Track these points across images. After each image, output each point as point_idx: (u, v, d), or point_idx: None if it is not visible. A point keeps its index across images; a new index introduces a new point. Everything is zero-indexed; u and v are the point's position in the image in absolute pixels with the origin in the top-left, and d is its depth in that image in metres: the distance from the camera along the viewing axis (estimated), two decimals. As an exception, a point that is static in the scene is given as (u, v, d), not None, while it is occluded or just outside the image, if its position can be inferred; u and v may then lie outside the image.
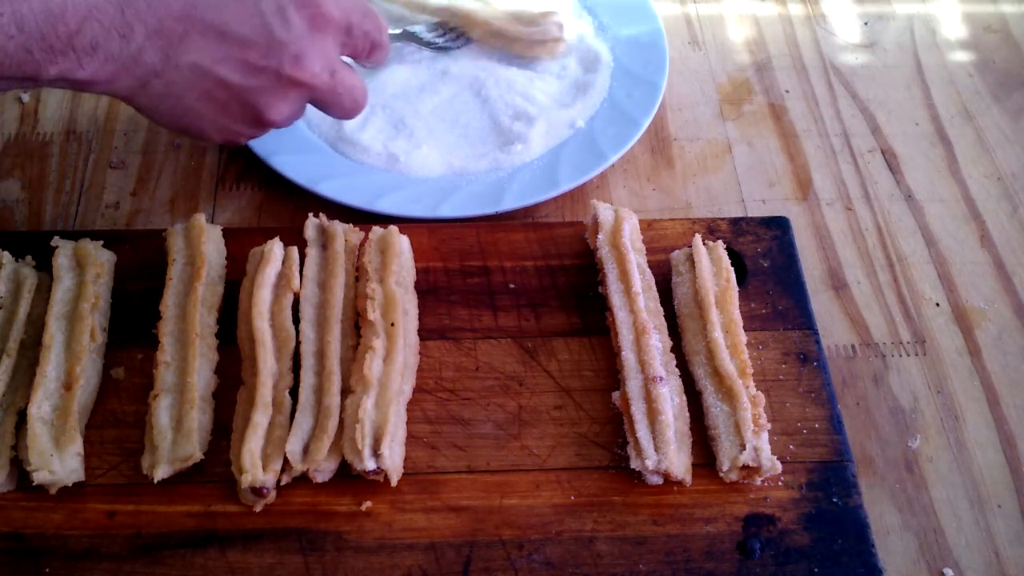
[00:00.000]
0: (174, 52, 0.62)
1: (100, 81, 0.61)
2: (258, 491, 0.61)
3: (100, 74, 0.60)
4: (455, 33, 0.95)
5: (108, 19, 0.58)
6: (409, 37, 0.93)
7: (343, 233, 0.74)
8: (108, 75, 0.61)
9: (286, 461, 0.63)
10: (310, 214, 0.75)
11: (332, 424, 0.63)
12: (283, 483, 0.63)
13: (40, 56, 0.57)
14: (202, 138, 0.70)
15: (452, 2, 0.94)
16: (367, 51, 0.73)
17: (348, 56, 0.72)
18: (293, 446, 0.63)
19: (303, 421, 0.64)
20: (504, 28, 0.92)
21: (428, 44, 0.94)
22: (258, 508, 0.63)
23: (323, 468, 0.63)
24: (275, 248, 0.71)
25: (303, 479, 0.64)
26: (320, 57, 0.67)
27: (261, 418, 0.63)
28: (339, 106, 0.72)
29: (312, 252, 0.73)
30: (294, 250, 0.72)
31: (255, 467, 0.61)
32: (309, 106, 0.87)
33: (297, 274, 0.71)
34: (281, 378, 0.66)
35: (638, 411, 0.65)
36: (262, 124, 0.69)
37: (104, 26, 0.58)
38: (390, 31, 0.88)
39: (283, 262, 0.72)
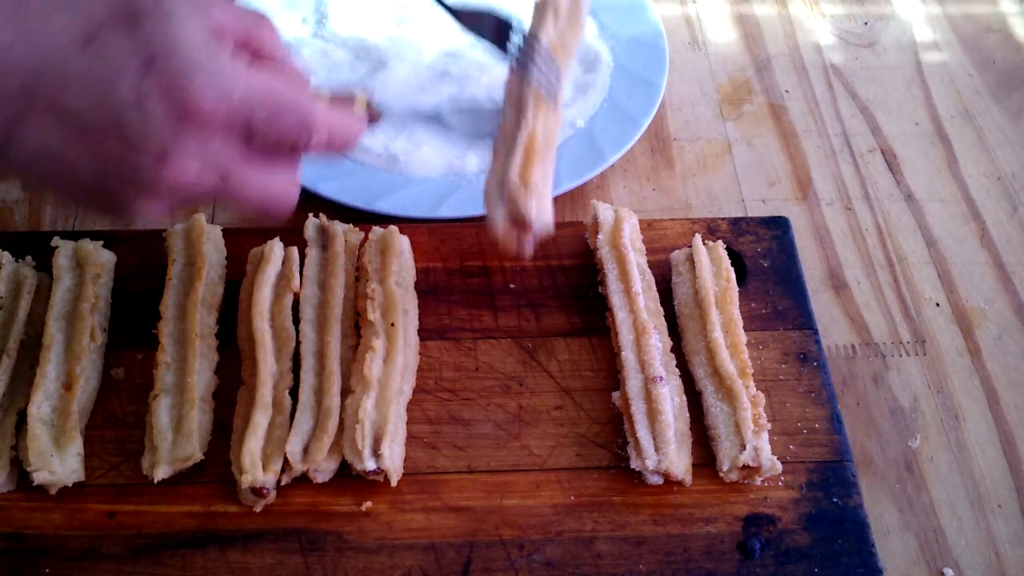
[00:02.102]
0: (17, 132, 0.49)
1: None
2: (258, 491, 0.61)
3: None
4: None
5: None
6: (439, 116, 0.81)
7: (343, 233, 0.74)
8: None
9: (286, 461, 0.63)
10: (310, 214, 0.75)
11: (332, 424, 0.63)
12: (283, 483, 0.63)
13: None
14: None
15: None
16: (299, 145, 0.54)
17: (267, 150, 0.54)
18: (293, 446, 0.63)
19: (303, 421, 0.64)
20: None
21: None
22: (258, 508, 0.63)
23: (323, 468, 0.63)
24: (275, 248, 0.71)
25: (303, 479, 0.64)
26: (197, 157, 0.50)
27: (261, 418, 0.63)
28: (248, 208, 0.56)
29: (312, 252, 0.73)
30: (294, 250, 0.72)
31: (255, 467, 0.61)
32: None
33: (297, 274, 0.71)
34: (281, 378, 0.66)
35: (638, 411, 0.65)
36: (124, 215, 0.54)
37: None
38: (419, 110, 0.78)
39: (283, 262, 0.72)
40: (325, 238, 0.74)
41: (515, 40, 0.73)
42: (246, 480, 0.61)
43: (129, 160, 0.50)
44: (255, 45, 0.53)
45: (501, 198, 0.66)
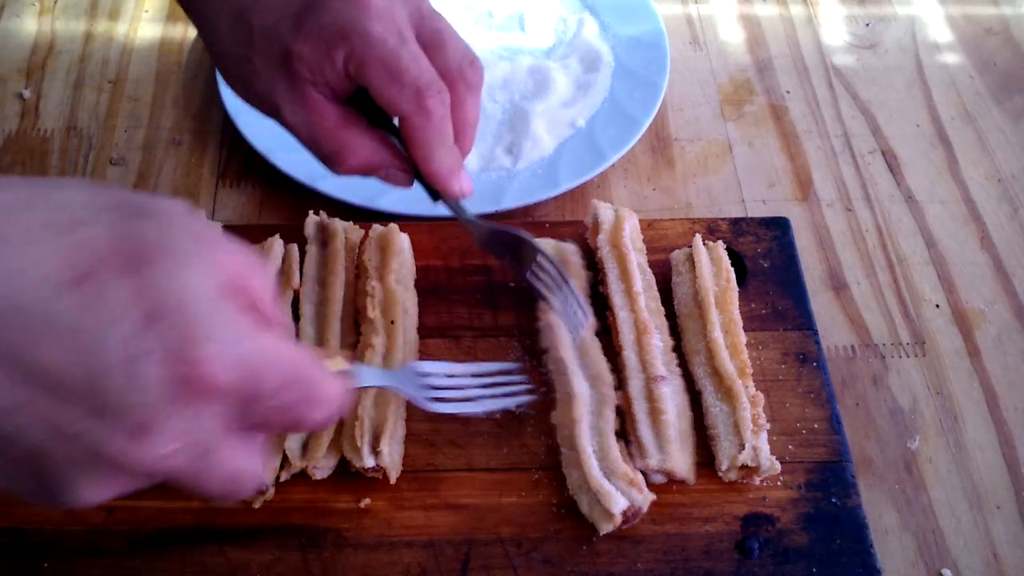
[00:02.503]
0: None
1: None
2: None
3: None
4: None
5: None
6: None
7: (343, 231, 0.74)
8: None
9: (285, 458, 0.63)
10: (310, 211, 0.75)
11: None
12: (282, 480, 0.63)
13: None
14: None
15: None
16: (283, 427, 0.47)
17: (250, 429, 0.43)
18: (292, 443, 0.63)
19: None
20: None
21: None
22: (257, 504, 0.63)
23: (322, 465, 0.63)
24: (275, 245, 0.71)
25: (301, 475, 0.64)
26: (181, 434, 0.39)
27: None
28: (203, 493, 0.43)
29: (312, 250, 0.73)
30: (294, 248, 0.72)
31: None
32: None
33: (297, 272, 0.71)
34: None
35: (640, 411, 0.65)
36: (52, 500, 0.42)
37: None
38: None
39: (283, 259, 0.72)
40: (325, 235, 0.74)
41: (539, 261, 0.69)
42: None
43: (94, 434, 0.38)
44: (253, 296, 0.43)
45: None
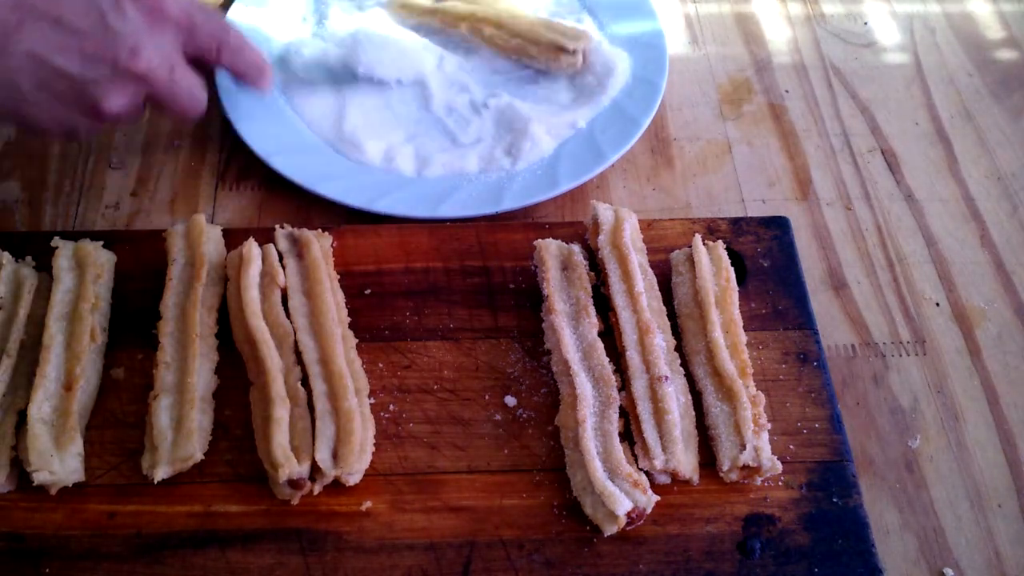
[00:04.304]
0: (9, 39, 0.62)
1: None
2: (295, 483, 0.61)
3: None
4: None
5: None
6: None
7: (316, 238, 0.74)
8: None
9: (317, 468, 0.62)
10: (276, 225, 0.75)
11: (356, 425, 0.63)
12: (315, 493, 0.63)
13: None
14: (39, 129, 0.70)
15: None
16: (214, 51, 0.73)
17: (195, 55, 0.73)
18: (322, 454, 0.62)
19: (325, 428, 0.63)
20: (529, 29, 0.92)
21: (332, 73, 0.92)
22: (295, 501, 0.63)
23: (355, 471, 0.63)
24: (252, 248, 0.71)
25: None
26: (157, 51, 0.67)
27: (281, 412, 0.63)
28: (176, 103, 0.72)
29: (289, 263, 0.73)
30: (271, 247, 0.73)
31: (289, 460, 0.61)
32: (306, 105, 0.88)
33: (280, 270, 0.71)
34: (289, 372, 0.66)
35: (644, 411, 0.65)
36: (98, 115, 0.69)
37: None
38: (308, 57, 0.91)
39: (262, 261, 0.72)
40: (299, 247, 0.74)
41: None
42: (283, 474, 0.60)
43: (107, 56, 0.65)
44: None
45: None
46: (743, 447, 0.63)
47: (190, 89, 0.72)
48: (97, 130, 0.71)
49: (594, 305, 0.71)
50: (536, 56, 0.92)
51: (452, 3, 0.95)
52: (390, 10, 0.97)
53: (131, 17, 0.66)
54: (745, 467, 0.64)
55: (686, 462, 0.64)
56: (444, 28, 0.95)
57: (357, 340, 0.70)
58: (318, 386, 0.66)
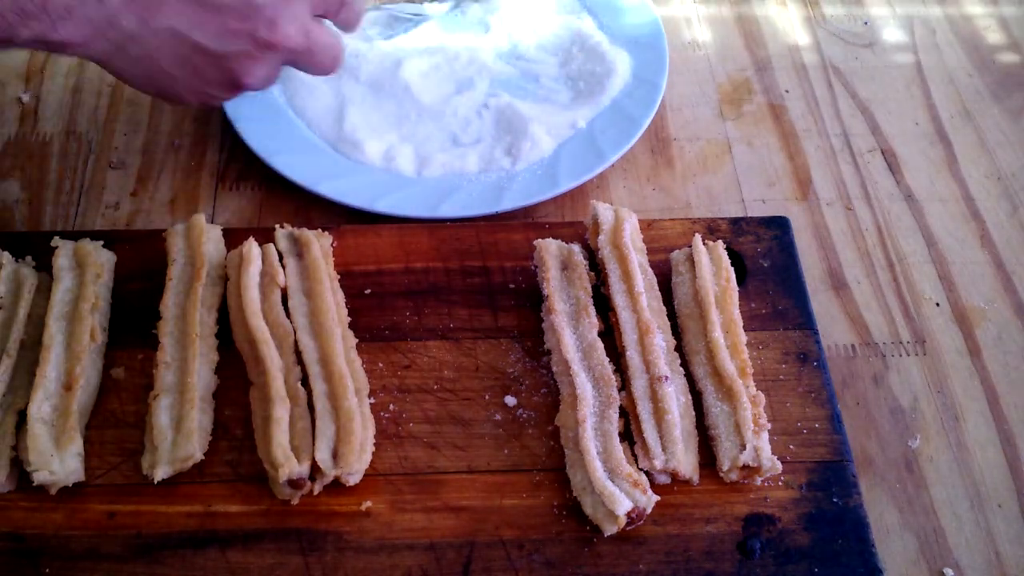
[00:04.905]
0: (151, 17, 0.63)
1: (75, 43, 0.62)
2: (295, 483, 0.61)
3: (75, 36, 0.61)
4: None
5: None
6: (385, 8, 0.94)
7: (316, 238, 0.74)
8: (83, 38, 0.61)
9: (317, 468, 0.62)
10: (276, 225, 0.75)
11: (357, 425, 0.63)
12: (315, 493, 0.63)
13: (12, 18, 0.58)
14: (176, 100, 0.71)
15: None
16: (336, 7, 0.73)
17: (319, 12, 0.72)
18: (322, 454, 0.62)
19: (325, 428, 0.63)
20: None
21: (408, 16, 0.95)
22: (295, 501, 0.63)
23: (356, 471, 0.63)
24: (252, 248, 0.71)
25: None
26: (293, 19, 0.67)
27: (281, 412, 0.63)
28: (317, 65, 0.72)
29: (289, 263, 0.73)
30: (271, 247, 0.73)
31: (289, 459, 0.61)
32: (306, 105, 0.88)
33: (280, 269, 0.71)
34: (289, 371, 0.66)
35: (644, 411, 0.65)
36: (238, 87, 0.69)
37: None
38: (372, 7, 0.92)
39: (262, 261, 0.72)
40: (299, 247, 0.74)
41: None
42: (283, 473, 0.60)
43: (247, 30, 0.65)
44: None
45: None
46: (743, 447, 0.63)
47: (327, 48, 0.71)
48: (232, 98, 0.72)
49: (594, 305, 0.71)
50: None
51: None
52: None
53: None
54: (745, 467, 0.64)
55: (686, 462, 0.64)
56: None
57: (357, 340, 0.70)
58: (318, 386, 0.66)
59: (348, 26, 0.75)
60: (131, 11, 0.62)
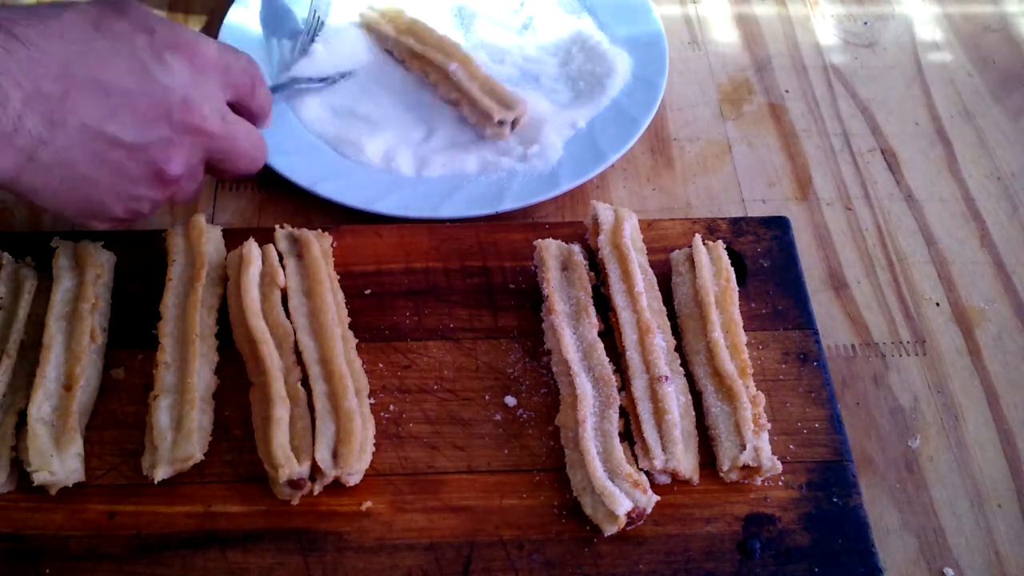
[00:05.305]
0: (58, 115, 0.57)
1: None
2: (296, 483, 0.61)
3: None
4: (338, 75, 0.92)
5: None
6: (294, 82, 0.90)
7: (316, 239, 0.74)
8: None
9: (317, 468, 0.62)
10: (276, 226, 0.75)
11: (356, 426, 0.63)
12: (315, 493, 0.63)
13: None
14: (101, 213, 0.64)
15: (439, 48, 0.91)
16: (250, 90, 0.69)
17: (233, 98, 0.68)
18: (322, 454, 0.62)
19: (325, 428, 0.64)
20: (473, 92, 0.87)
21: (313, 81, 0.91)
22: (295, 501, 0.63)
23: (355, 471, 0.63)
24: (252, 248, 0.71)
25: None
26: (208, 99, 0.64)
27: (282, 412, 0.63)
28: (239, 154, 0.68)
29: (289, 263, 0.73)
30: (271, 247, 0.73)
31: (289, 460, 0.61)
32: (306, 105, 0.87)
33: (280, 270, 0.71)
34: (289, 372, 0.66)
35: (644, 411, 0.65)
36: (164, 182, 0.64)
37: None
38: (274, 84, 0.89)
39: (262, 261, 0.72)
40: (299, 247, 0.74)
41: None
42: (283, 474, 0.60)
43: (161, 115, 0.61)
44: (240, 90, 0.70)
45: None
46: (743, 447, 0.63)
47: (248, 135, 0.68)
48: (161, 203, 0.67)
49: (594, 305, 0.71)
50: (468, 115, 0.89)
51: (410, 40, 0.92)
52: (364, 30, 0.97)
53: (176, 69, 0.62)
54: (745, 467, 0.64)
55: (686, 462, 0.64)
56: (403, 60, 0.94)
57: (357, 340, 0.70)
58: (318, 386, 0.66)
59: (261, 115, 0.72)
60: (35, 111, 0.55)
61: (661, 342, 0.69)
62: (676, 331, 0.72)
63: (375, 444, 0.65)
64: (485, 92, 0.87)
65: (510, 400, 0.69)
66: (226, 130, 0.65)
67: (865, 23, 1.06)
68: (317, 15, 0.95)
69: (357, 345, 0.70)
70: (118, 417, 0.67)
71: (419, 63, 0.92)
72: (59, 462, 0.62)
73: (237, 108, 0.69)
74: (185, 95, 0.62)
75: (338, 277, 0.73)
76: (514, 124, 0.87)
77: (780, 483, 0.65)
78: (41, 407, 0.64)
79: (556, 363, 0.69)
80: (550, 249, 0.73)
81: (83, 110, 0.58)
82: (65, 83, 0.57)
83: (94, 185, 0.61)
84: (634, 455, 0.65)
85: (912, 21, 1.06)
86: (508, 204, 0.82)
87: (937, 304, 0.81)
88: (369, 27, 0.96)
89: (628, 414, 0.66)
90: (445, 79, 0.89)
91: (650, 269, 0.74)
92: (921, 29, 1.05)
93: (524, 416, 0.68)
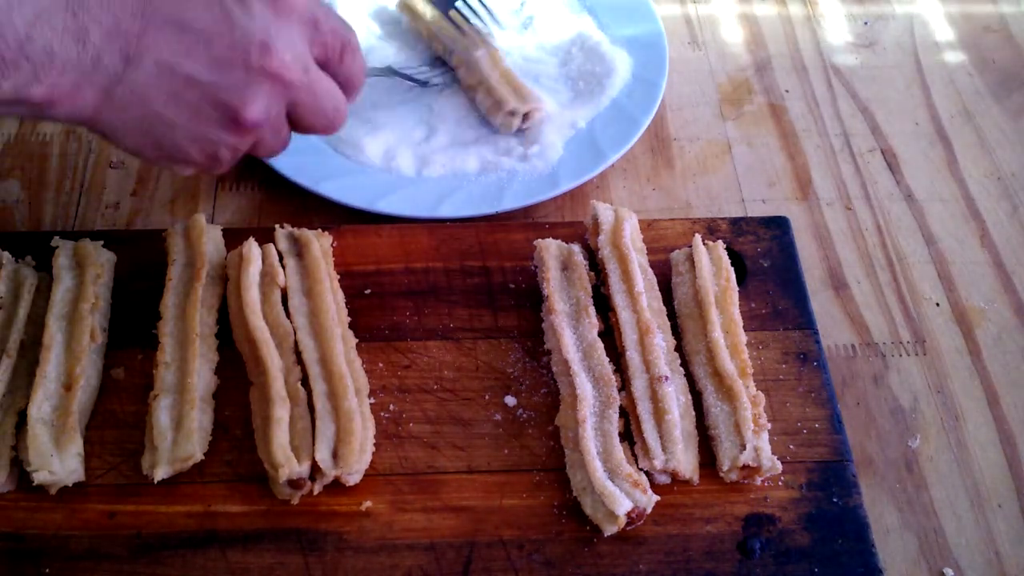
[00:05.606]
0: (134, 51, 0.56)
1: (61, 97, 0.55)
2: (296, 483, 0.61)
3: (60, 86, 0.54)
4: (442, 71, 0.93)
5: (60, 22, 0.53)
6: (392, 72, 0.90)
7: (316, 238, 0.74)
8: (68, 87, 0.55)
9: (317, 468, 0.62)
10: (276, 225, 0.75)
11: (356, 426, 0.63)
12: (315, 492, 0.63)
13: None
14: (180, 157, 0.62)
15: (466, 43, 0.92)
16: (338, 53, 0.65)
17: (319, 57, 0.64)
18: (322, 454, 0.62)
19: (325, 428, 0.63)
20: (492, 80, 0.88)
21: (411, 79, 0.91)
22: (295, 501, 0.63)
23: (355, 471, 0.63)
24: (252, 248, 0.71)
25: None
26: (289, 47, 0.60)
27: (281, 412, 0.63)
28: (319, 111, 0.64)
29: (289, 263, 0.73)
30: (271, 247, 0.73)
31: (289, 460, 0.61)
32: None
33: (280, 269, 0.71)
34: (289, 371, 0.66)
35: (644, 411, 0.65)
36: (241, 126, 0.61)
37: (57, 30, 0.53)
38: (373, 67, 0.87)
39: (262, 260, 0.72)
40: (299, 246, 0.74)
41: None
42: (283, 474, 0.60)
43: (238, 56, 0.58)
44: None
45: None
46: (743, 447, 0.63)
47: (329, 93, 0.64)
48: (241, 151, 0.64)
49: (594, 305, 0.71)
50: (481, 103, 0.89)
51: (445, 26, 0.93)
52: (400, 10, 0.98)
53: (257, 12, 0.59)
54: (745, 467, 0.64)
55: (686, 462, 0.64)
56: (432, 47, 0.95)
57: (357, 340, 0.70)
58: (318, 386, 0.66)
59: (349, 86, 0.67)
60: (113, 48, 0.55)
61: (661, 342, 0.69)
62: (676, 331, 0.72)
63: (375, 444, 0.65)
64: (504, 82, 0.88)
65: (510, 400, 0.69)
66: (307, 81, 0.62)
67: (865, 23, 1.06)
68: None
69: (357, 345, 0.70)
70: (118, 417, 0.67)
71: (442, 44, 0.93)
72: (59, 462, 0.62)
73: (326, 71, 0.65)
74: (265, 39, 0.59)
75: (338, 277, 0.73)
76: (526, 118, 0.87)
77: (780, 483, 0.65)
78: (41, 407, 0.64)
79: (556, 363, 0.69)
80: (550, 249, 0.73)
81: (158, 47, 0.57)
82: (143, 20, 0.56)
83: (170, 126, 0.60)
84: (634, 455, 0.65)
85: (912, 21, 1.06)
86: (508, 204, 0.82)
87: (937, 304, 0.81)
88: (406, 6, 0.97)
89: (628, 414, 0.66)
90: (465, 64, 0.90)
91: (650, 269, 0.74)
92: (921, 29, 1.05)
93: (524, 416, 0.68)
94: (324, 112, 0.64)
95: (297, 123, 0.65)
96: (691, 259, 0.73)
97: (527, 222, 0.82)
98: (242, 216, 0.85)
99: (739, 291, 0.73)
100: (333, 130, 0.66)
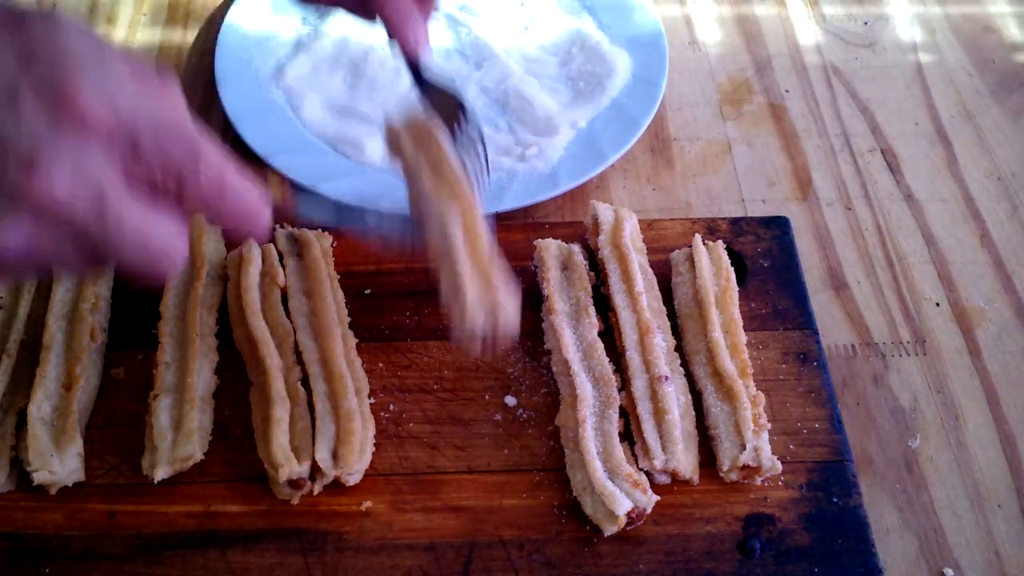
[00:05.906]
0: None
1: None
2: (296, 483, 0.61)
3: None
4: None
5: None
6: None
7: (316, 239, 0.74)
8: None
9: (317, 468, 0.62)
10: (276, 226, 0.74)
11: (356, 426, 0.63)
12: (315, 492, 0.63)
13: None
14: None
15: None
16: (172, 184, 0.45)
17: (144, 184, 0.44)
18: (322, 454, 0.62)
19: (325, 428, 0.64)
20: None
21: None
22: (295, 501, 0.63)
23: (355, 471, 0.63)
24: (252, 248, 0.71)
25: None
26: (71, 170, 0.41)
27: (281, 412, 0.63)
28: (130, 253, 0.44)
29: (289, 263, 0.73)
30: (271, 247, 0.73)
31: (289, 460, 0.61)
32: (306, 105, 0.85)
33: (280, 270, 0.71)
34: (289, 371, 0.66)
35: (644, 411, 0.65)
36: None
37: None
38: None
39: (262, 261, 0.72)
40: (299, 247, 0.74)
41: (467, 130, 0.69)
42: (283, 474, 0.60)
43: None
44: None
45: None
46: (743, 447, 0.63)
47: (143, 235, 0.44)
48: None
49: (594, 305, 0.71)
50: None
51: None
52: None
53: (27, 115, 0.41)
54: (745, 467, 0.64)
55: (686, 462, 0.64)
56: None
57: (357, 340, 0.70)
58: (318, 386, 0.66)
59: (233, 229, 0.49)
60: None
61: (661, 342, 0.69)
62: (676, 331, 0.72)
63: (375, 444, 0.65)
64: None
65: (510, 400, 0.69)
66: (99, 220, 0.43)
67: (865, 23, 1.06)
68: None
69: (357, 345, 0.70)
70: (118, 417, 0.67)
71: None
72: (59, 462, 0.62)
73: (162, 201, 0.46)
74: (31, 153, 0.41)
75: (338, 277, 0.73)
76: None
77: (780, 483, 0.65)
78: (41, 407, 0.64)
79: (556, 363, 0.69)
80: (550, 249, 0.73)
81: None
82: None
83: None
84: (634, 455, 0.65)
85: (912, 21, 1.06)
86: (508, 204, 0.82)
87: (937, 304, 0.81)
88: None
89: (628, 414, 0.66)
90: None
91: (650, 269, 0.74)
92: (921, 29, 1.05)
93: (524, 416, 0.68)
94: (138, 254, 0.44)
95: (106, 266, 0.46)
96: (691, 259, 0.73)
97: (527, 222, 0.82)
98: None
99: (739, 291, 0.73)
100: (161, 279, 0.48)
